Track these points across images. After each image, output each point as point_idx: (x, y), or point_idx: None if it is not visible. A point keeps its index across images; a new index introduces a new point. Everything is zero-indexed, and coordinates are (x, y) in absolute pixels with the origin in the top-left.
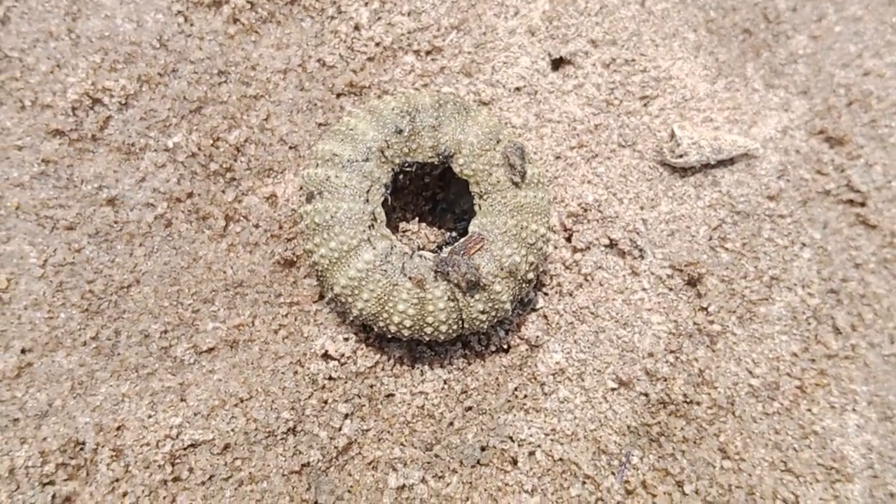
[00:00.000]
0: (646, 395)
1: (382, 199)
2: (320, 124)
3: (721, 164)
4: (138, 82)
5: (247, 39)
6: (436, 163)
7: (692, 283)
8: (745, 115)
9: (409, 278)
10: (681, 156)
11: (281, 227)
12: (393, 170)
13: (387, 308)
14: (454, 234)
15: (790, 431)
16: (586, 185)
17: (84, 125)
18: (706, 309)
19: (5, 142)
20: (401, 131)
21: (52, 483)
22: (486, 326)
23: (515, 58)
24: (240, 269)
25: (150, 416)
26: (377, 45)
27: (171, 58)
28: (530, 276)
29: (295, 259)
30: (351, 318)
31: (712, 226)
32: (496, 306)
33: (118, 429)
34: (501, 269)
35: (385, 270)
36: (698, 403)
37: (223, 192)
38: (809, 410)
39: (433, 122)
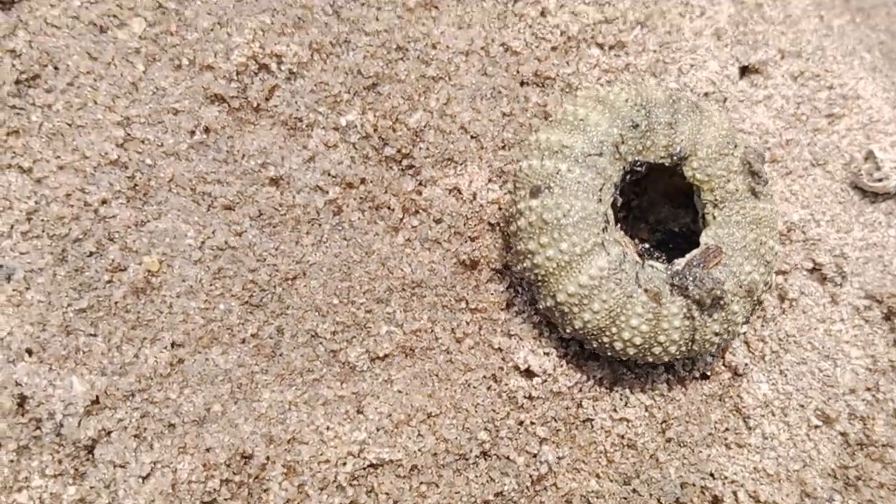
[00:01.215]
0: (844, 434)
1: (612, 199)
2: (505, 114)
3: None
4: (309, 50)
5: (426, 14)
6: (667, 164)
7: (888, 316)
8: None
9: (645, 290)
10: (880, 179)
11: (466, 224)
12: (624, 168)
13: (618, 322)
14: (647, 245)
15: None
16: (785, 204)
17: (248, 92)
18: None
19: (160, 104)
20: (637, 126)
21: (213, 502)
22: (715, 349)
23: (703, 61)
24: (418, 268)
25: (328, 429)
26: (562, 33)
27: (344, 27)
28: (762, 297)
29: (479, 260)
30: (568, 331)
31: None
32: (731, 328)
33: (290, 441)
34: (740, 288)
35: (619, 280)
36: (893, 447)
37: (399, 179)
38: None
39: (669, 118)
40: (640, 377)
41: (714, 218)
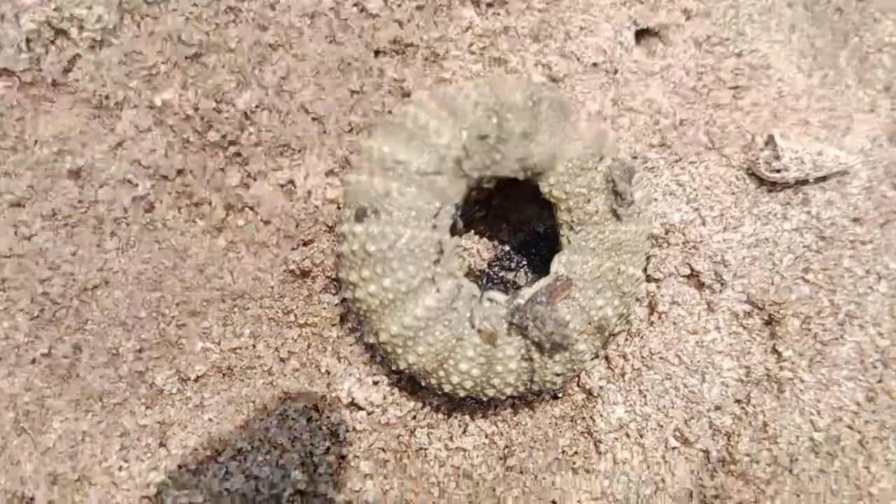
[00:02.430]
0: (706, 452)
1: (452, 222)
2: (353, 92)
3: (818, 179)
4: (118, 11)
5: None
6: (520, 178)
7: (768, 322)
8: (840, 118)
9: (479, 331)
10: (778, 170)
11: (298, 227)
12: (468, 185)
13: (445, 366)
14: (507, 248)
15: (846, 492)
16: (669, 199)
17: (42, 66)
18: (780, 353)
19: None
20: (484, 137)
21: None
22: (559, 386)
23: (595, 23)
24: (241, 276)
25: (121, 469)
26: None
27: None
28: (617, 329)
29: (312, 268)
30: (394, 368)
31: (796, 254)
32: (576, 367)
33: (78, 481)
34: (590, 324)
35: (449, 321)
36: (758, 462)
37: (223, 170)
38: (867, 468)
39: (525, 127)
40: (483, 403)
41: (569, 242)
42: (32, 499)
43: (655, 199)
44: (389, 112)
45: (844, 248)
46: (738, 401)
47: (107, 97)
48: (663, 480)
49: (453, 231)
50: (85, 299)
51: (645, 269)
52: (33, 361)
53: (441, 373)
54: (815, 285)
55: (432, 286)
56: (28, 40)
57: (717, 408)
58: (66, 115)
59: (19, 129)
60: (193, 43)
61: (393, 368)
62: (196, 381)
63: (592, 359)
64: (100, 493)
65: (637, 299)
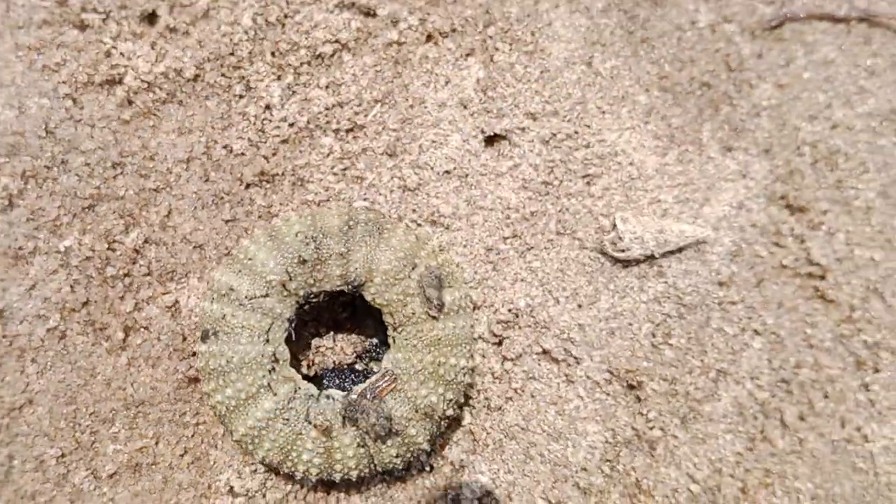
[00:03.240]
0: None
1: (286, 334)
2: (227, 221)
3: (669, 253)
4: (23, 179)
5: (144, 124)
6: (346, 291)
7: (631, 387)
8: (696, 191)
9: (315, 426)
10: (622, 250)
11: (185, 340)
12: (298, 302)
13: (290, 458)
14: (375, 340)
15: None
16: (519, 285)
17: None
18: (645, 415)
19: None
20: (305, 261)
21: None
22: (401, 466)
23: (445, 135)
24: (141, 387)
25: None
26: (291, 125)
27: (59, 148)
28: (449, 412)
29: (199, 375)
30: (256, 460)
31: (656, 322)
32: (411, 448)
33: None
34: (416, 412)
35: (287, 419)
36: None
37: (121, 299)
38: None
39: (341, 248)
40: (357, 482)
41: (394, 341)
42: None
43: (502, 288)
44: (213, 269)
45: (712, 311)
46: (607, 461)
47: (20, 248)
48: None
49: (289, 341)
50: (14, 416)
51: (472, 357)
52: None
53: (289, 463)
54: (679, 349)
55: (269, 392)
56: None
57: (584, 469)
58: None
59: None
60: (87, 196)
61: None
62: (109, 478)
63: (430, 441)
64: None
65: (471, 385)
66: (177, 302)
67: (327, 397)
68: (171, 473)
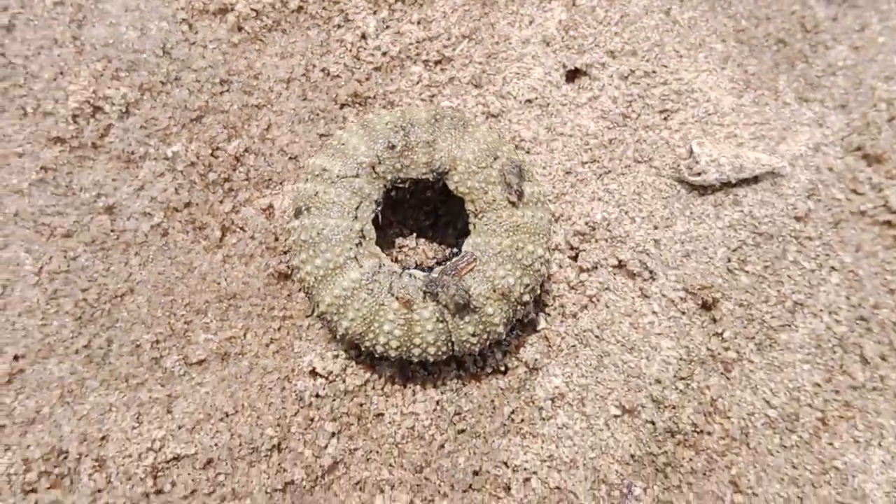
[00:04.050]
0: (652, 423)
1: (373, 216)
2: (322, 135)
3: (744, 182)
4: (140, 91)
5: (251, 48)
6: (430, 179)
7: (706, 307)
8: (773, 130)
9: (397, 298)
10: (699, 174)
11: (277, 240)
12: (385, 186)
13: (373, 328)
14: (455, 250)
15: (808, 466)
16: (596, 203)
17: (84, 133)
18: (721, 335)
19: (6, 148)
20: (393, 146)
21: (34, 491)
22: (477, 349)
23: (528, 69)
24: (234, 281)
25: (134, 428)
26: (384, 54)
27: (173, 66)
28: (526, 298)
29: (289, 272)
30: (338, 337)
31: (731, 247)
32: (488, 329)
33: (102, 439)
34: (494, 291)
35: (371, 290)
36: (709, 433)
37: (221, 202)
38: (831, 444)
39: (428, 137)
40: (432, 374)
41: (475, 227)
42: (67, 452)
43: (580, 203)
44: (311, 156)
45: (789, 244)
46: (681, 378)
47: (132, 153)
48: (608, 445)
49: (376, 224)
50: (115, 304)
51: (548, 249)
52: (76, 352)
53: (370, 335)
54: (755, 276)
55: (355, 263)
56: (74, 115)
57: (658, 381)
58: (102, 168)
59: (68, 181)
60: (196, 109)
61: (338, 337)
62: (199, 363)
63: (505, 324)
64: (117, 446)
65: (548, 276)
66: (271, 206)
67: (409, 275)
68: (256, 361)
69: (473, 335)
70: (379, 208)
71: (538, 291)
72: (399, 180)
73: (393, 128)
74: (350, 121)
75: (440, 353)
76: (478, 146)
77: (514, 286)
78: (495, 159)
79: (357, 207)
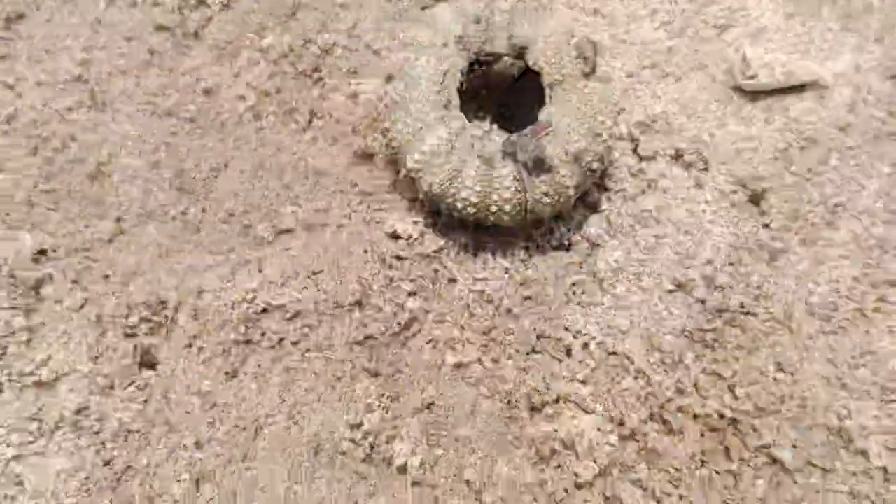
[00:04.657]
0: (702, 301)
1: (458, 84)
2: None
3: (791, 91)
4: None
5: None
6: (510, 55)
7: (755, 200)
8: (819, 50)
9: (479, 156)
10: (751, 77)
11: (361, 122)
12: (470, 57)
13: (454, 184)
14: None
15: (847, 350)
16: (656, 100)
17: (188, 23)
18: (769, 225)
19: (116, 32)
20: (479, 20)
21: (134, 335)
22: (549, 211)
23: None
24: (320, 160)
25: (228, 281)
26: None
27: None
28: (595, 165)
29: (373, 152)
30: (421, 195)
31: (779, 148)
32: (559, 190)
33: (199, 293)
34: (566, 154)
35: (456, 147)
36: (755, 315)
37: (309, 89)
38: (867, 332)
39: (510, 16)
40: (501, 245)
41: (550, 98)
42: (166, 301)
43: (640, 97)
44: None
45: (831, 151)
46: (730, 263)
47: (230, 42)
48: (661, 317)
49: (461, 93)
50: (211, 177)
51: (616, 124)
52: (173, 218)
53: (452, 189)
54: (800, 177)
55: (442, 123)
56: (179, 6)
57: (710, 262)
58: (202, 56)
59: (171, 66)
60: (289, 5)
61: (422, 196)
62: (287, 232)
63: (575, 188)
64: (213, 296)
65: (610, 161)
66: (355, 94)
67: (490, 138)
68: (340, 229)
69: (546, 195)
70: (463, 77)
71: (604, 164)
72: (483, 52)
73: (479, 7)
74: (441, 2)
75: (515, 212)
76: (556, 24)
77: (585, 150)
78: (571, 37)
79: (444, 74)
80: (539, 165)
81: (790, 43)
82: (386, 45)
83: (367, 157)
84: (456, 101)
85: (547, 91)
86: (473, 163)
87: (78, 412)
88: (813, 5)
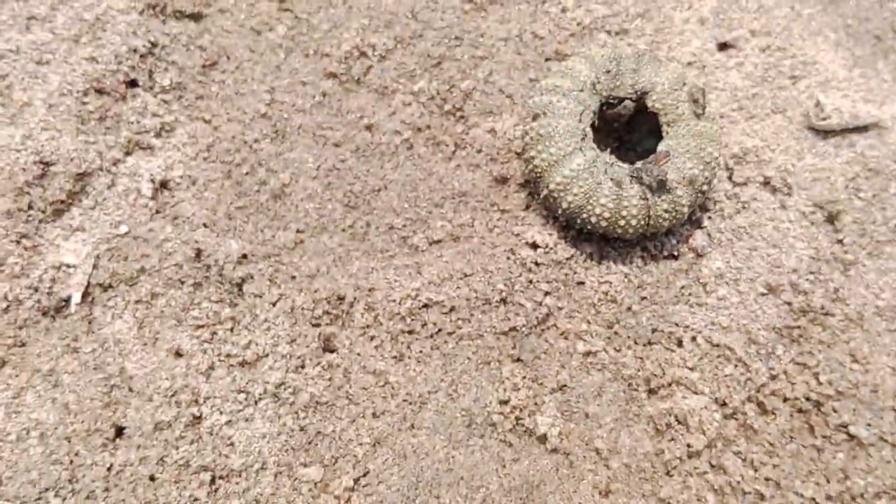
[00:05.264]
0: (789, 303)
1: (591, 121)
2: (531, 79)
3: (857, 130)
4: (394, 41)
5: (477, 15)
6: (633, 98)
7: (830, 220)
8: (876, 96)
9: (611, 179)
10: (824, 119)
11: (498, 153)
12: (600, 100)
13: (590, 202)
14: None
15: None
16: (746, 136)
17: (352, 71)
18: (842, 241)
19: (294, 78)
20: (609, 71)
21: (318, 325)
22: (666, 226)
23: (688, 40)
24: (464, 183)
25: (395, 281)
26: (578, 24)
27: (419, 25)
28: (704, 188)
29: (508, 178)
30: (559, 213)
31: (848, 177)
32: (676, 208)
33: (370, 290)
34: (683, 178)
35: (592, 172)
36: (833, 315)
37: (454, 125)
38: None
39: (634, 66)
40: (622, 254)
41: (667, 133)
42: (344, 297)
43: (733, 135)
44: (543, 78)
45: (890, 180)
46: (811, 272)
47: (386, 87)
48: (756, 315)
49: (594, 128)
50: (373, 196)
51: (720, 154)
52: (343, 230)
53: (588, 207)
54: (866, 202)
55: (580, 152)
56: (345, 57)
57: (794, 271)
58: (364, 97)
59: (339, 105)
60: (436, 56)
61: (558, 213)
62: (437, 242)
63: (690, 207)
64: (383, 294)
65: (716, 175)
66: (493, 129)
67: (619, 165)
68: (484, 240)
69: (666, 211)
70: (595, 117)
71: (711, 188)
72: (611, 97)
73: (608, 58)
74: (572, 56)
75: (639, 226)
76: (671, 75)
77: (697, 176)
78: (684, 85)
79: (581, 113)
80: (661, 187)
81: (854, 90)
82: (516, 89)
83: (503, 181)
84: (590, 134)
85: (665, 127)
86: (606, 184)
87: (278, 386)
88: (870, 60)
